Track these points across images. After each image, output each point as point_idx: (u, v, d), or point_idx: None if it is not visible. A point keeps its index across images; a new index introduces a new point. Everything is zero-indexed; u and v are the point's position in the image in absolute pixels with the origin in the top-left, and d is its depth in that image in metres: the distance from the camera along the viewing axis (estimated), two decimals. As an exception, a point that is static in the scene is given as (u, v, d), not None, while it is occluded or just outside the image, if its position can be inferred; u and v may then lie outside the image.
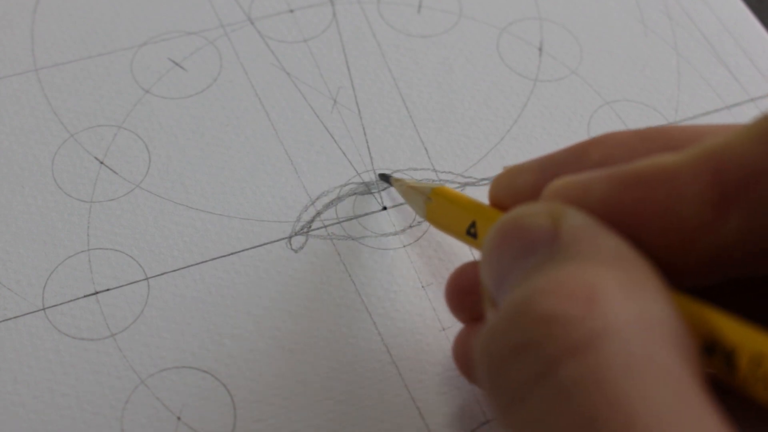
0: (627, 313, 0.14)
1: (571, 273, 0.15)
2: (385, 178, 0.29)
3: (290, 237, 0.29)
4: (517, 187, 0.21)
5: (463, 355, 0.24)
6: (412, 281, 0.28)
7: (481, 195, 0.30)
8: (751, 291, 0.18)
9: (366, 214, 0.29)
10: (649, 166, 0.17)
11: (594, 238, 0.16)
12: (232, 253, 0.28)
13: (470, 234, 0.22)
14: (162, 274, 0.28)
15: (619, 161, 0.18)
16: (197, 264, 0.28)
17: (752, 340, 0.15)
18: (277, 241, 0.29)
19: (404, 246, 0.29)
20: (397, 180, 0.28)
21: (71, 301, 0.27)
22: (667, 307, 0.15)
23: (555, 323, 0.14)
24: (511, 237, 0.17)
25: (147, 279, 0.28)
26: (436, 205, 0.24)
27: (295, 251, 0.28)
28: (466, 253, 0.29)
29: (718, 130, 0.19)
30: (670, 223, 0.16)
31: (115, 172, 0.30)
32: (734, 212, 0.16)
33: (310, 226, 0.29)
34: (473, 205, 0.23)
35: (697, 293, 0.17)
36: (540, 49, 0.34)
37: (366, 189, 0.30)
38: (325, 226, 0.29)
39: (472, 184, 0.30)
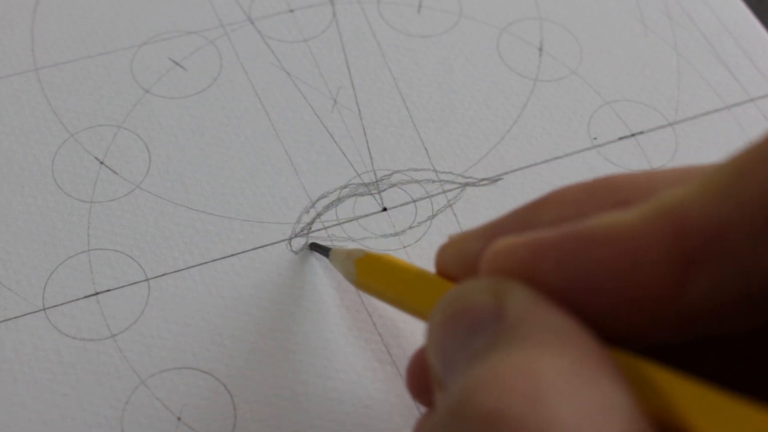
0: (573, 406, 0.13)
1: (513, 363, 0.14)
2: (316, 247, 0.28)
3: (290, 238, 0.29)
4: (464, 255, 0.20)
5: None
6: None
7: (482, 195, 0.30)
8: (718, 350, 0.17)
9: (366, 216, 0.29)
10: (602, 225, 0.15)
11: (537, 319, 0.15)
12: (232, 255, 0.28)
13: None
14: (162, 275, 0.28)
15: (570, 221, 0.17)
16: (198, 265, 0.28)
17: (709, 417, 0.14)
18: (278, 242, 0.29)
19: (404, 247, 0.29)
20: (331, 250, 0.27)
21: (71, 301, 0.27)
22: (618, 394, 0.14)
23: (495, 423, 0.13)
24: (456, 316, 0.17)
25: (147, 280, 0.28)
26: (369, 268, 0.23)
27: (296, 253, 0.28)
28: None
29: (670, 181, 0.18)
30: (628, 287, 0.15)
31: (115, 172, 0.30)
32: (698, 275, 0.14)
33: (310, 228, 0.29)
34: (415, 273, 0.22)
35: (660, 352, 0.16)
36: (540, 49, 0.34)
37: (366, 190, 0.30)
38: (326, 228, 0.29)
39: (472, 184, 0.30)
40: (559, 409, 0.13)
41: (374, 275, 0.23)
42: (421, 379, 0.22)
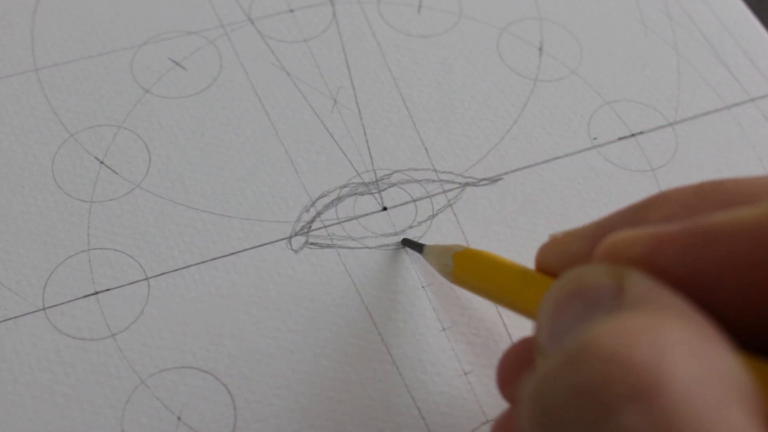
0: (693, 365, 0.14)
1: (637, 320, 0.14)
2: (410, 244, 0.29)
3: (290, 237, 0.29)
4: (567, 253, 0.20)
5: None
6: (412, 281, 0.28)
7: (482, 195, 0.30)
8: None
9: (366, 215, 0.29)
10: (728, 219, 0.16)
11: (659, 298, 0.15)
12: (232, 253, 0.28)
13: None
14: (162, 274, 0.28)
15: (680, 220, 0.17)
16: (197, 264, 0.28)
17: None
18: (278, 241, 0.29)
19: (404, 246, 0.29)
20: (426, 246, 0.27)
21: (71, 301, 0.27)
22: (735, 366, 0.14)
23: (618, 366, 0.14)
24: (572, 295, 0.17)
25: (147, 279, 0.28)
26: (468, 263, 0.24)
27: (296, 251, 0.28)
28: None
29: None
30: (752, 283, 0.15)
31: (115, 172, 0.30)
32: None
33: (310, 227, 0.29)
34: (517, 269, 0.22)
35: None
36: (540, 49, 0.34)
37: (366, 189, 0.30)
38: (326, 227, 0.29)
39: (472, 184, 0.30)
40: (681, 366, 0.13)
41: (473, 270, 0.24)
42: (512, 373, 0.22)
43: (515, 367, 0.22)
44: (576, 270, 0.17)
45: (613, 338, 0.14)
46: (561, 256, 0.21)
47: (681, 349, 0.14)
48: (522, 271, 0.22)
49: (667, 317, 0.15)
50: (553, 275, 0.21)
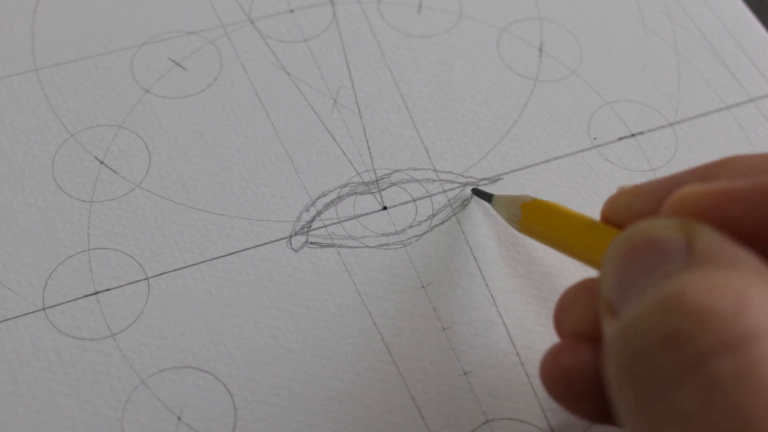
0: None
1: (720, 275, 0.15)
2: (479, 193, 0.29)
3: (290, 237, 0.29)
4: (635, 209, 0.21)
5: (557, 372, 0.22)
6: (412, 281, 0.28)
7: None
8: None
9: (366, 214, 0.29)
10: None
11: (730, 254, 0.16)
12: (232, 253, 0.28)
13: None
14: (162, 273, 0.28)
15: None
16: (197, 264, 0.28)
17: None
18: (278, 240, 0.29)
19: (404, 246, 0.29)
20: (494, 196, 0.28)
21: (71, 301, 0.27)
22: None
23: (708, 317, 0.14)
24: (641, 248, 0.17)
25: (147, 279, 0.28)
26: (536, 213, 0.25)
27: (296, 251, 0.28)
28: (466, 254, 0.29)
29: None
30: None
31: (115, 171, 0.30)
32: None
33: (310, 226, 0.29)
34: (584, 220, 0.23)
35: None
36: (540, 49, 0.34)
37: (366, 189, 0.30)
38: (326, 226, 0.29)
39: (473, 184, 0.30)
40: (766, 316, 0.14)
41: (541, 219, 0.24)
42: (569, 313, 0.22)
43: (574, 303, 0.22)
44: (644, 222, 0.17)
45: (699, 291, 0.15)
46: (628, 209, 0.21)
47: (762, 301, 0.14)
48: (589, 222, 0.22)
49: (742, 272, 0.15)
50: (620, 227, 0.21)
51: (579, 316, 0.21)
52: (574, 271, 0.29)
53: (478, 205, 0.30)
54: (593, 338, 0.20)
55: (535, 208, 0.25)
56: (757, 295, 0.14)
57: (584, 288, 0.22)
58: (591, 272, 0.27)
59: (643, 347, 0.15)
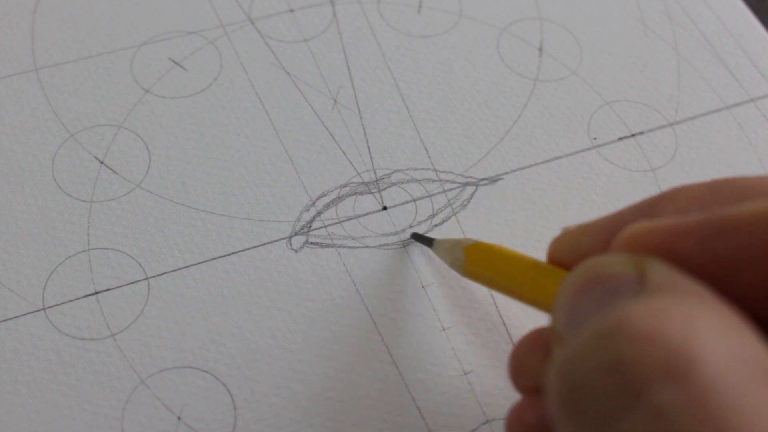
0: (723, 346, 0.14)
1: (667, 302, 0.15)
2: (419, 238, 0.29)
3: (290, 237, 0.29)
4: (582, 249, 0.20)
5: (519, 426, 0.22)
6: (412, 281, 0.28)
7: (482, 195, 0.30)
8: None
9: (366, 214, 0.29)
10: (750, 210, 0.16)
11: (682, 285, 0.16)
12: (232, 253, 0.28)
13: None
14: (162, 273, 0.28)
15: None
16: (197, 264, 0.28)
17: None
18: (278, 240, 0.29)
19: (404, 246, 0.29)
20: (436, 241, 0.27)
21: (71, 301, 0.27)
22: (761, 349, 0.14)
23: (653, 343, 0.14)
24: (593, 282, 0.17)
25: (147, 279, 0.28)
26: (479, 256, 0.24)
27: (296, 251, 0.28)
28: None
29: None
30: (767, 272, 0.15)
31: (115, 171, 0.30)
32: None
33: (310, 226, 0.29)
34: (529, 261, 0.22)
35: None
36: (540, 49, 0.34)
37: (366, 189, 0.30)
38: (326, 226, 0.29)
39: (473, 184, 0.30)
40: (712, 347, 0.13)
41: (485, 263, 0.24)
42: (524, 363, 0.22)
43: (528, 357, 0.22)
44: (597, 258, 0.17)
45: (646, 317, 0.14)
46: (574, 249, 0.21)
47: (711, 331, 0.14)
48: (535, 264, 0.22)
49: (694, 301, 0.15)
50: (567, 268, 0.21)
51: (533, 371, 0.21)
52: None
53: (478, 204, 0.30)
54: None
55: (478, 251, 0.24)
56: (705, 323, 0.14)
57: (535, 340, 0.22)
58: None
59: (585, 376, 0.15)
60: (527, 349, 0.22)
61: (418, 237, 0.29)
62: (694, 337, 0.14)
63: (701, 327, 0.14)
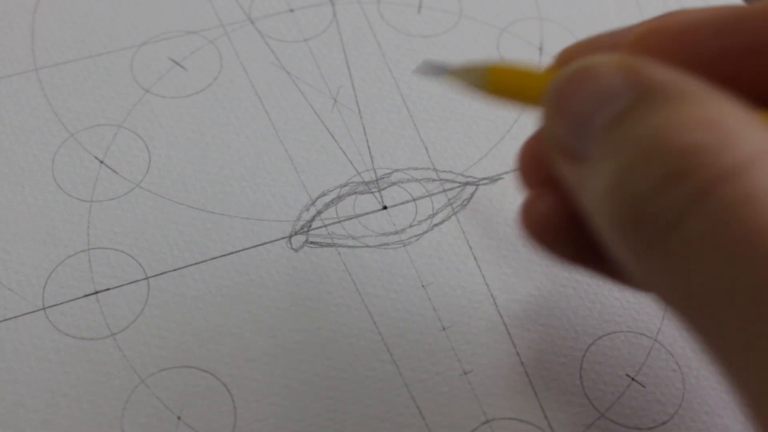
0: (759, 138, 0.15)
1: (695, 109, 0.15)
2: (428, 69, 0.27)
3: (290, 236, 0.29)
4: (594, 50, 0.20)
5: (535, 221, 0.22)
6: (412, 281, 0.28)
7: (482, 194, 0.30)
8: None
9: (366, 214, 0.29)
10: (758, 5, 0.16)
11: (685, 82, 0.16)
12: (232, 253, 0.28)
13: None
14: (162, 273, 0.28)
15: None
16: (197, 263, 0.28)
17: None
18: (278, 240, 0.29)
19: (404, 246, 0.29)
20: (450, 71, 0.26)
21: (71, 300, 0.27)
22: None
23: (702, 153, 0.14)
24: (584, 82, 0.17)
25: (147, 278, 0.28)
26: (498, 79, 0.23)
27: (296, 250, 0.28)
28: (466, 254, 0.29)
29: None
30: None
31: (115, 171, 0.30)
32: None
33: (310, 226, 0.29)
34: (547, 71, 0.21)
35: None
36: (540, 49, 0.34)
37: (366, 189, 0.30)
38: (326, 226, 0.29)
39: (473, 183, 0.30)
40: (752, 143, 0.14)
41: (506, 83, 0.23)
42: (532, 165, 0.22)
43: (538, 153, 0.22)
44: (581, 59, 0.17)
45: (687, 130, 0.15)
46: (585, 52, 0.20)
47: (744, 129, 0.15)
48: (553, 70, 0.21)
49: (711, 102, 0.15)
50: None
51: (542, 166, 0.21)
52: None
53: (478, 204, 0.30)
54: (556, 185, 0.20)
55: (497, 71, 0.24)
56: (735, 122, 0.15)
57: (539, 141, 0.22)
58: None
59: (641, 190, 0.15)
60: (533, 150, 0.22)
61: (426, 68, 0.27)
62: (736, 139, 0.14)
63: (735, 127, 0.15)
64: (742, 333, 0.14)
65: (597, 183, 0.16)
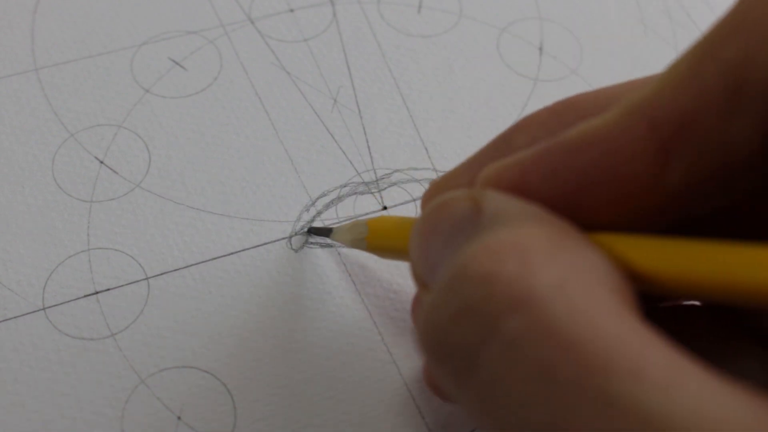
0: (560, 265, 0.15)
1: (499, 237, 0.15)
2: (316, 231, 0.29)
3: (290, 237, 0.29)
4: None
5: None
6: (412, 281, 0.28)
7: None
8: (703, 227, 0.18)
9: (366, 214, 0.29)
10: (579, 133, 0.17)
11: (514, 208, 0.16)
12: (232, 253, 0.28)
13: None
14: (162, 273, 0.28)
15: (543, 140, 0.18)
16: (197, 264, 0.28)
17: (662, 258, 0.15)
18: (278, 240, 0.29)
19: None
20: (332, 230, 0.27)
21: (71, 301, 0.27)
22: (596, 255, 0.15)
23: (491, 283, 0.15)
24: (436, 222, 0.18)
25: (147, 279, 0.28)
26: (375, 235, 0.24)
27: (296, 251, 0.28)
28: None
29: (634, 86, 0.19)
30: (611, 185, 0.16)
31: (115, 171, 0.30)
32: (675, 160, 0.16)
33: (310, 226, 0.29)
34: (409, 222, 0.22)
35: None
36: (540, 49, 0.34)
37: (366, 189, 0.30)
38: (326, 226, 0.29)
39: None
40: (548, 268, 0.14)
41: (387, 234, 0.24)
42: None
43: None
44: (436, 199, 0.18)
45: (482, 259, 0.15)
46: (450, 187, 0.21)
47: (544, 253, 0.15)
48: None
49: (525, 227, 0.16)
50: None
51: None
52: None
53: None
54: None
55: (380, 224, 0.24)
56: (537, 246, 0.15)
57: None
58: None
59: (443, 322, 0.16)
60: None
61: (316, 231, 0.29)
62: (530, 265, 0.15)
63: (536, 251, 0.15)
64: None
65: (419, 314, 0.17)
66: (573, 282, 0.14)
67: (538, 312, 0.14)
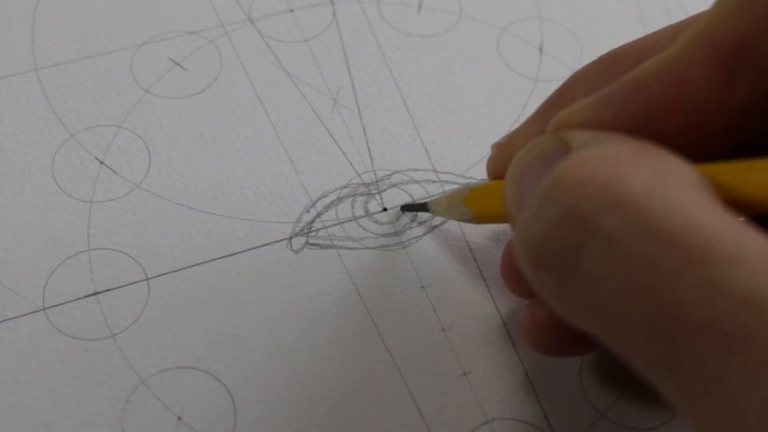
0: (649, 168, 0.15)
1: (589, 153, 0.16)
2: (410, 208, 0.29)
3: (290, 238, 0.29)
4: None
5: (533, 333, 0.24)
6: (412, 281, 0.28)
7: (481, 195, 0.30)
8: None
9: (366, 215, 0.29)
10: (646, 68, 0.18)
11: (599, 137, 0.17)
12: (232, 254, 0.28)
13: None
14: (162, 274, 0.28)
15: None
16: (198, 264, 0.28)
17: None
18: (278, 241, 0.29)
19: (404, 247, 0.29)
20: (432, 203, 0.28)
21: (71, 301, 0.27)
22: (682, 164, 0.16)
23: (586, 185, 0.15)
24: (528, 161, 0.19)
25: (147, 279, 0.28)
26: (480, 204, 0.25)
27: (296, 252, 0.28)
28: (466, 254, 0.29)
29: (680, 27, 0.20)
30: (683, 111, 0.17)
31: (115, 172, 0.30)
32: (739, 80, 0.17)
33: (310, 227, 0.29)
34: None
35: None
36: (540, 49, 0.34)
37: (366, 190, 0.30)
38: (326, 227, 0.29)
39: (473, 184, 0.30)
40: (637, 171, 0.15)
41: (488, 205, 0.24)
42: (513, 270, 0.25)
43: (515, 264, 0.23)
44: (526, 145, 0.19)
45: (574, 169, 0.16)
46: (509, 159, 0.22)
47: (631, 160, 0.16)
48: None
49: (610, 144, 0.17)
50: None
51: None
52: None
53: None
54: None
55: (476, 197, 0.25)
56: (626, 154, 0.16)
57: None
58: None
59: (540, 235, 0.16)
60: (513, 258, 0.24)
61: (409, 207, 0.29)
62: (618, 171, 0.15)
63: (621, 163, 0.16)
64: (661, 357, 0.15)
65: (515, 236, 0.18)
66: (664, 181, 0.15)
67: (635, 209, 0.15)
